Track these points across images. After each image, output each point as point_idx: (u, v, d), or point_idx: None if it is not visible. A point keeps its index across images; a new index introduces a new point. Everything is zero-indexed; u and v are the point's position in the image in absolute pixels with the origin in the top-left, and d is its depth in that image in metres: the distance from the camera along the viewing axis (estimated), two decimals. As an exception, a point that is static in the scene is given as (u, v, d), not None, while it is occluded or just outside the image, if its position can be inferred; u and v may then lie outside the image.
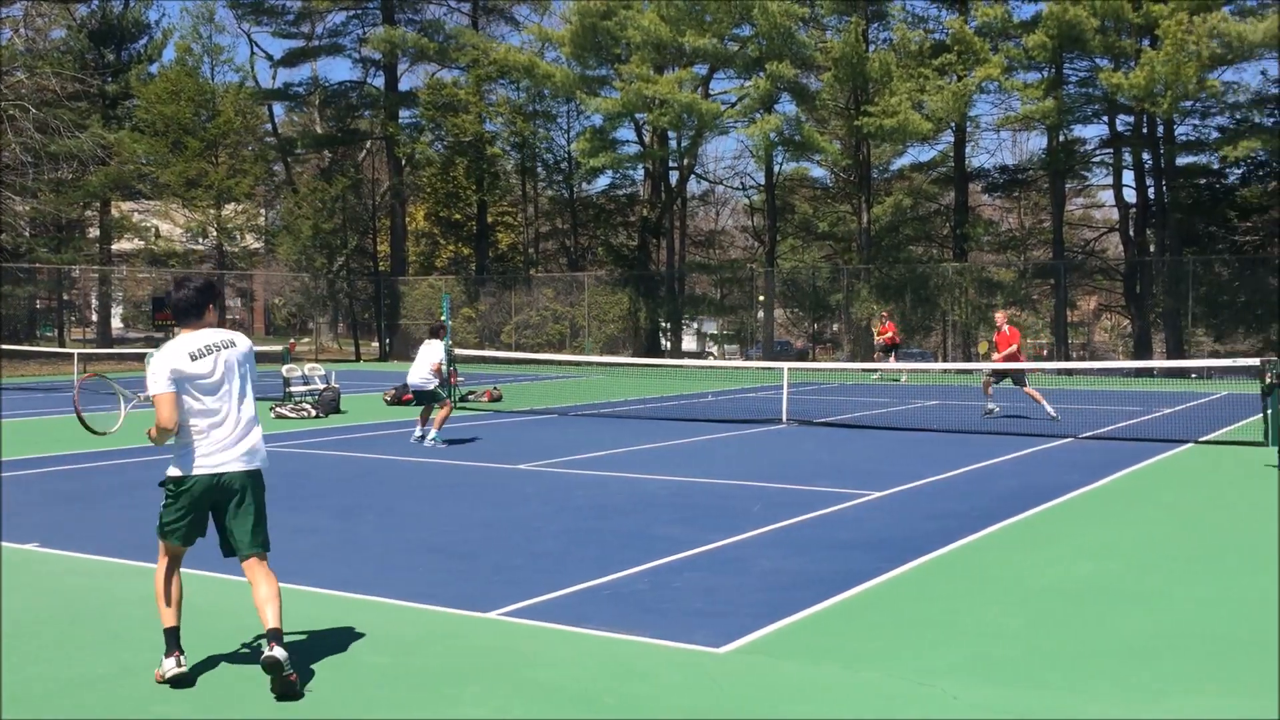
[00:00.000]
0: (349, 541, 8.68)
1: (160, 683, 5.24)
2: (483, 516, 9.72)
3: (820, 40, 40.83)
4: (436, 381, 14.92)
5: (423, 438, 14.93)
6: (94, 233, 48.82)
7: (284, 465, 13.17)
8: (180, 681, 5.24)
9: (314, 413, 19.35)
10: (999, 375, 18.96)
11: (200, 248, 47.60)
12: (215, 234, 45.60)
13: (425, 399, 15.09)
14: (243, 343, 5.64)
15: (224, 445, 5.51)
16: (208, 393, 5.44)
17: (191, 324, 5.55)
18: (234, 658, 5.75)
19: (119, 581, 7.40)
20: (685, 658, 5.73)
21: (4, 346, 35.65)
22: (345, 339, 55.01)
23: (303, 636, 6.09)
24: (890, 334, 29.89)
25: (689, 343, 48.66)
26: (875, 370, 30.69)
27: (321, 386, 20.67)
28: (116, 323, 55.55)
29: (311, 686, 5.29)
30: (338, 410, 20.01)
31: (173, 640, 5.32)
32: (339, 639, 6.05)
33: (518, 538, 8.80)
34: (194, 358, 5.42)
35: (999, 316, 19.29)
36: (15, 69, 41.10)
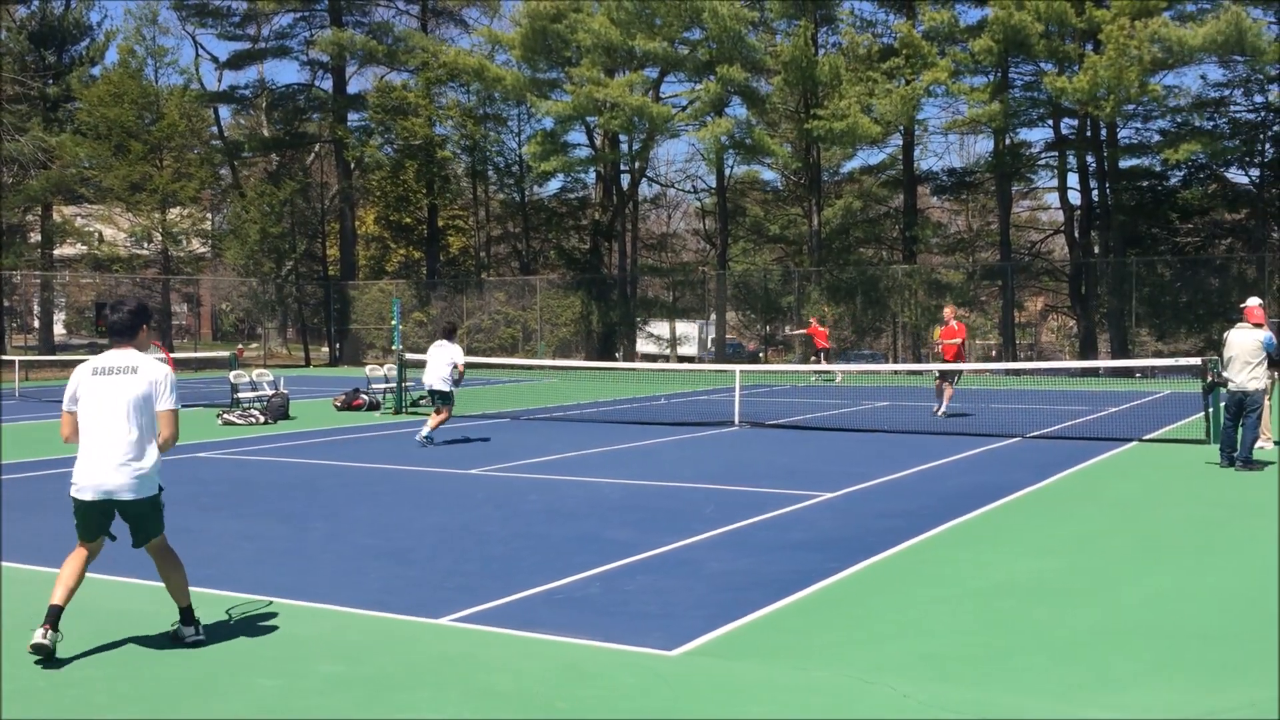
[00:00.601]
0: (297, 548, 8.59)
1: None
2: (434, 521, 9.66)
3: (770, 44, 41.06)
4: (453, 382, 15.17)
5: (429, 441, 15.11)
6: (35, 237, 47.89)
7: (231, 472, 13.01)
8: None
9: (262, 419, 19.12)
10: (947, 375, 19.31)
11: (145, 252, 46.84)
12: (160, 238, 44.92)
13: (445, 400, 15.24)
14: (146, 374, 5.89)
15: (105, 467, 5.83)
16: (91, 414, 5.85)
17: (123, 344, 5.98)
18: (178, 665, 5.65)
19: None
20: (637, 660, 5.73)
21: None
22: (295, 344, 54.45)
23: (252, 643, 6.01)
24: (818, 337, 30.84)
25: (647, 346, 48.65)
26: (815, 373, 31.12)
27: (270, 392, 20.43)
28: (59, 329, 54.58)
29: (260, 696, 5.22)
30: (286, 416, 19.79)
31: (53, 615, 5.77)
32: (288, 647, 5.98)
33: (469, 542, 8.75)
34: (95, 372, 5.89)
35: (947, 311, 19.80)
36: (-48, 71, 40.30)
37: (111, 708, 5.07)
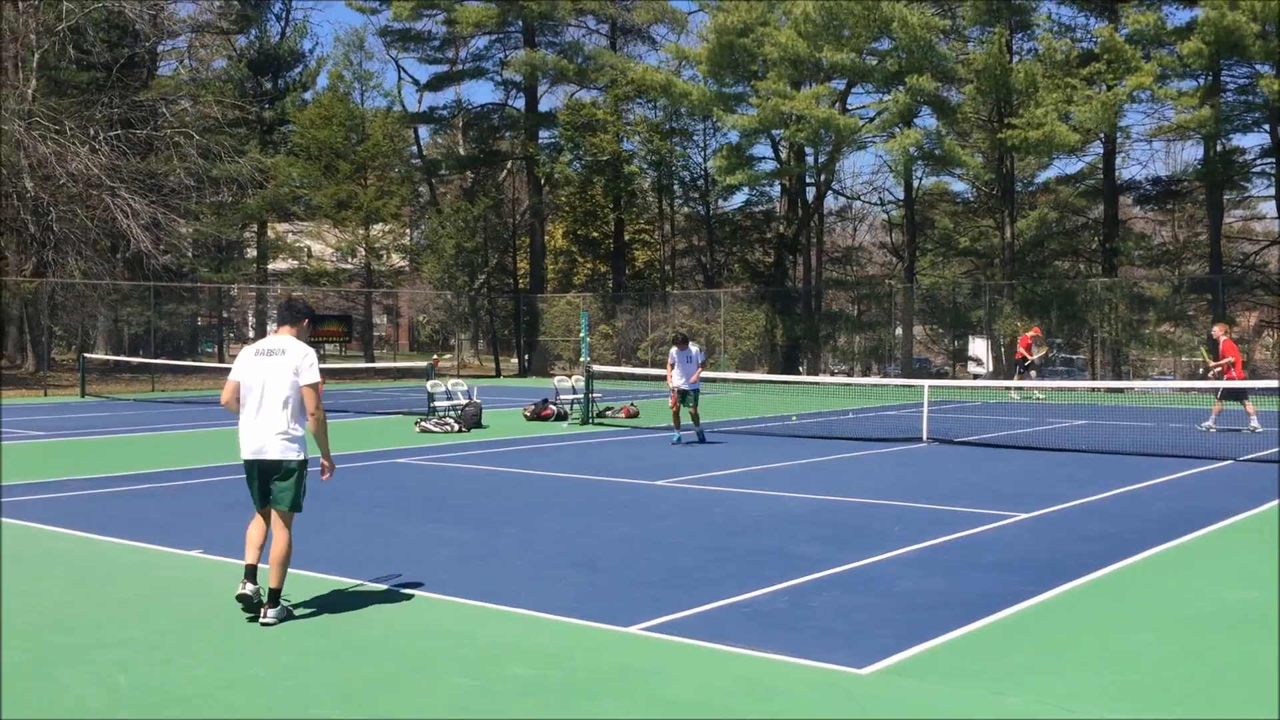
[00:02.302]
0: (490, 553, 8.86)
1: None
2: (621, 532, 9.80)
3: (961, 52, 40.04)
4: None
5: (699, 437, 17.32)
6: (252, 253, 51.08)
7: (427, 479, 13.52)
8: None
9: (457, 427, 19.80)
10: (1227, 395, 19.00)
11: (349, 266, 49.33)
12: (363, 253, 47.19)
13: (687, 399, 17.15)
14: (293, 355, 6.86)
15: (259, 431, 6.82)
16: (250, 387, 6.84)
17: (285, 329, 7.03)
18: (379, 662, 5.91)
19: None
20: (825, 677, 5.67)
21: (168, 361, 37.52)
22: (486, 355, 56.18)
23: (447, 643, 6.24)
24: (1023, 347, 29.22)
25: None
26: (1013, 388, 30.02)
27: (464, 402, 21.13)
28: (271, 339, 57.76)
29: (456, 696, 5.41)
30: (479, 425, 20.43)
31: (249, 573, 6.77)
32: (482, 648, 6.18)
33: (655, 553, 8.84)
34: (256, 353, 6.91)
35: (1217, 330, 19.53)
36: (180, 98, 43.36)
37: (312, 700, 5.35)
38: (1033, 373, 28.91)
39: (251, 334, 54.65)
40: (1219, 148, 37.56)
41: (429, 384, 21.62)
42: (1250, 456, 15.52)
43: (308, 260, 47.94)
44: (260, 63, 49.47)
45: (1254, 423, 18.91)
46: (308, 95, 49.34)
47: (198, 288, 44.75)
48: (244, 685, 5.56)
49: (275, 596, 6.69)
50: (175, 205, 39.69)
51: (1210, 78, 36.07)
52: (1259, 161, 39.58)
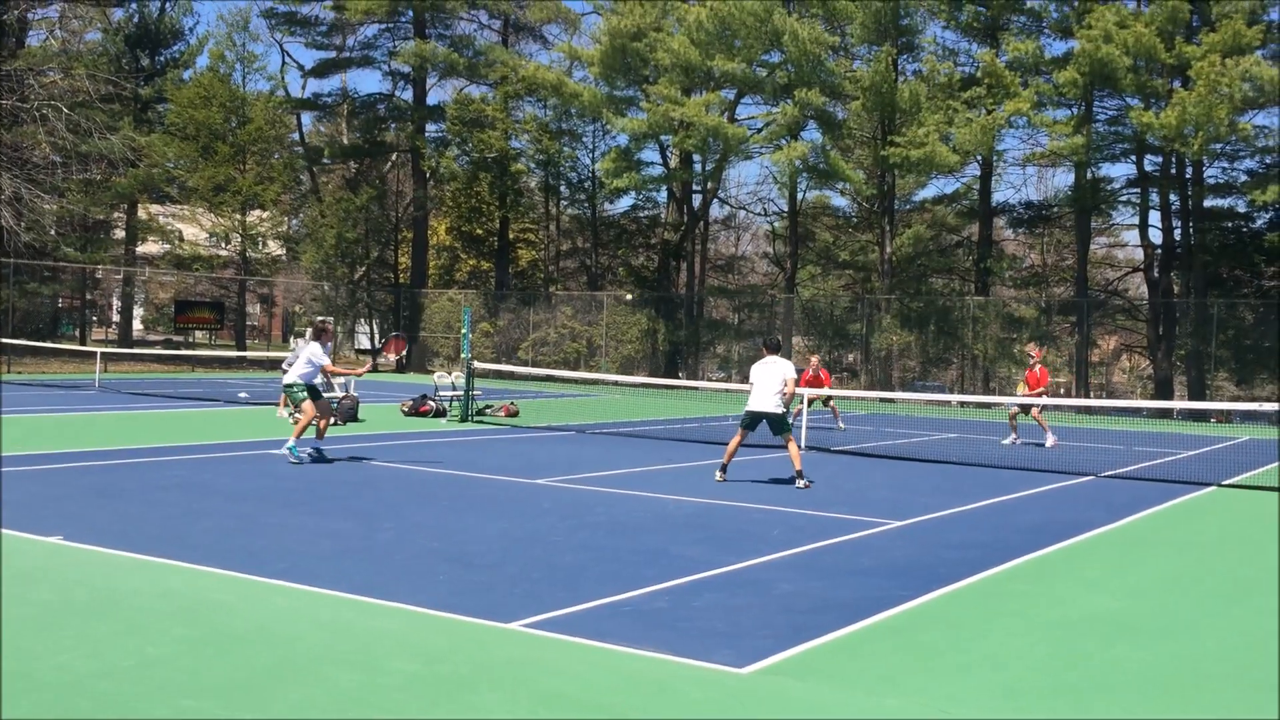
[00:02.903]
0: (369, 546, 8.67)
1: None
2: (500, 529, 9.70)
3: (849, 69, 40.91)
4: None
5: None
6: (120, 234, 49.16)
7: (303, 471, 13.20)
8: None
9: (332, 420, 19.33)
10: (1024, 409, 19.60)
11: (224, 253, 47.90)
12: (240, 240, 45.87)
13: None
14: None
15: None
16: None
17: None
18: (257, 656, 5.73)
19: (138, 576, 7.40)
20: (707, 676, 5.69)
21: (28, 343, 35.87)
22: (364, 349, 55.15)
23: (331, 636, 6.07)
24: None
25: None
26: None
27: (340, 394, 20.70)
28: (137, 324, 55.84)
29: (340, 689, 5.27)
30: (356, 419, 20.04)
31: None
32: (365, 642, 6.03)
33: (536, 551, 8.78)
34: None
35: (1035, 353, 19.94)
36: (49, 69, 41.51)
37: (191, 691, 5.15)
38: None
39: (116, 318, 52.63)
40: (1089, 176, 39.13)
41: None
42: (1109, 473, 16.16)
43: (180, 244, 46.39)
44: (138, 38, 47.66)
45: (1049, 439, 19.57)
46: (187, 74, 47.74)
47: (60, 267, 42.90)
48: (112, 675, 5.32)
49: None
50: (40, 180, 38.01)
51: (1083, 107, 37.57)
52: (1125, 191, 41.39)
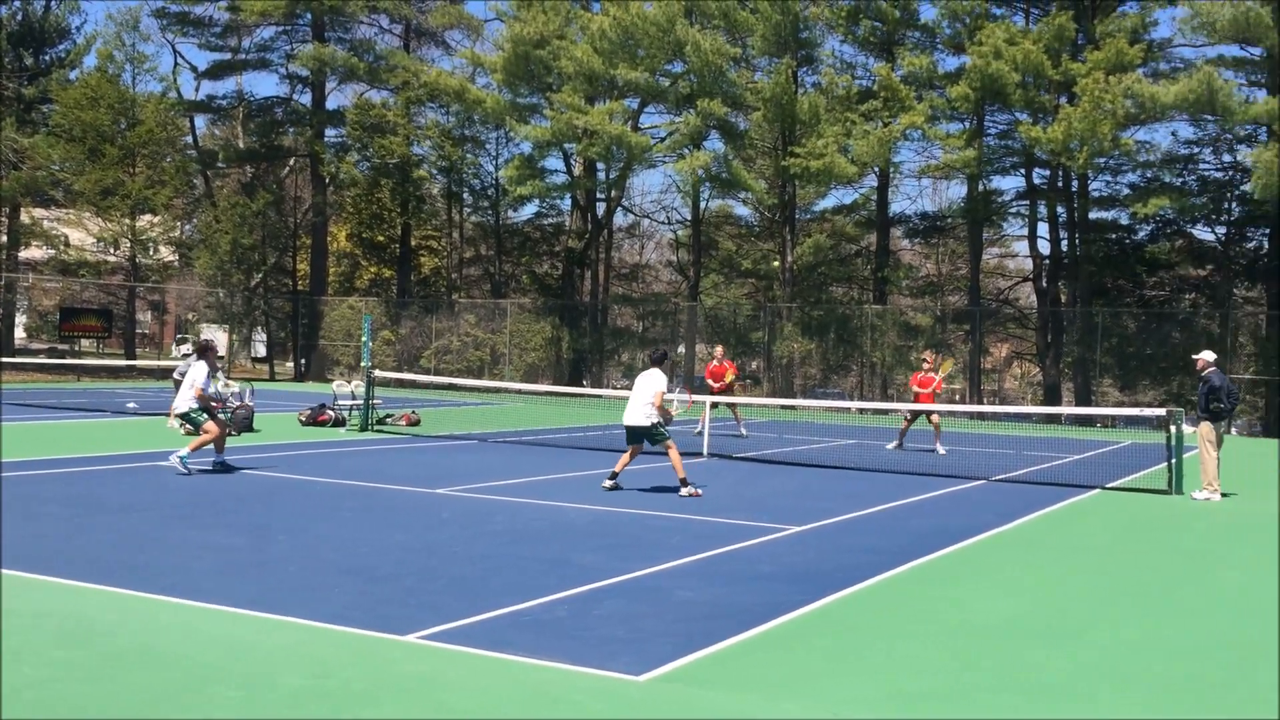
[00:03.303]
0: (262, 561, 8.47)
1: None
2: (399, 540, 9.56)
3: (750, 80, 41.36)
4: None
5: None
6: (1, 238, 47.35)
7: (193, 483, 12.86)
8: None
9: (228, 431, 18.87)
10: (915, 415, 20.00)
11: (113, 258, 46.43)
12: (129, 245, 44.52)
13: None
14: None
15: None
16: None
17: None
18: (141, 675, 5.54)
19: (14, 595, 7.10)
20: (605, 685, 5.68)
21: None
22: (261, 358, 54.02)
23: (216, 653, 5.91)
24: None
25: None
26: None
27: (236, 404, 20.21)
28: (20, 332, 53.83)
29: (224, 707, 5.12)
30: (251, 429, 19.59)
31: None
32: (252, 658, 5.88)
33: (435, 561, 8.67)
34: None
35: (929, 359, 20.24)
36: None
37: (61, 712, 4.96)
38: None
39: (-2, 325, 50.65)
40: (980, 188, 40.14)
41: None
42: (1000, 477, 16.58)
43: (65, 249, 44.85)
44: (21, 36, 45.98)
45: (939, 448, 19.93)
46: (74, 74, 46.22)
47: (-63, 273, 41.19)
48: (-21, 700, 5.09)
49: None
50: (-85, 182, 36.46)
51: (975, 122, 38.55)
52: (1015, 203, 42.56)
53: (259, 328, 51.97)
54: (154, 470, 13.77)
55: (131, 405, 25.17)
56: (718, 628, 6.85)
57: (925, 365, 20.26)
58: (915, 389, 20.25)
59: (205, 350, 14.39)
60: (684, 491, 12.70)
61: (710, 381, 22.46)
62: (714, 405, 20.39)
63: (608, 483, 13.17)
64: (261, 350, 52.87)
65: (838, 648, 6.60)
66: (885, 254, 42.77)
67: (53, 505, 10.65)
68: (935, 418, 20.29)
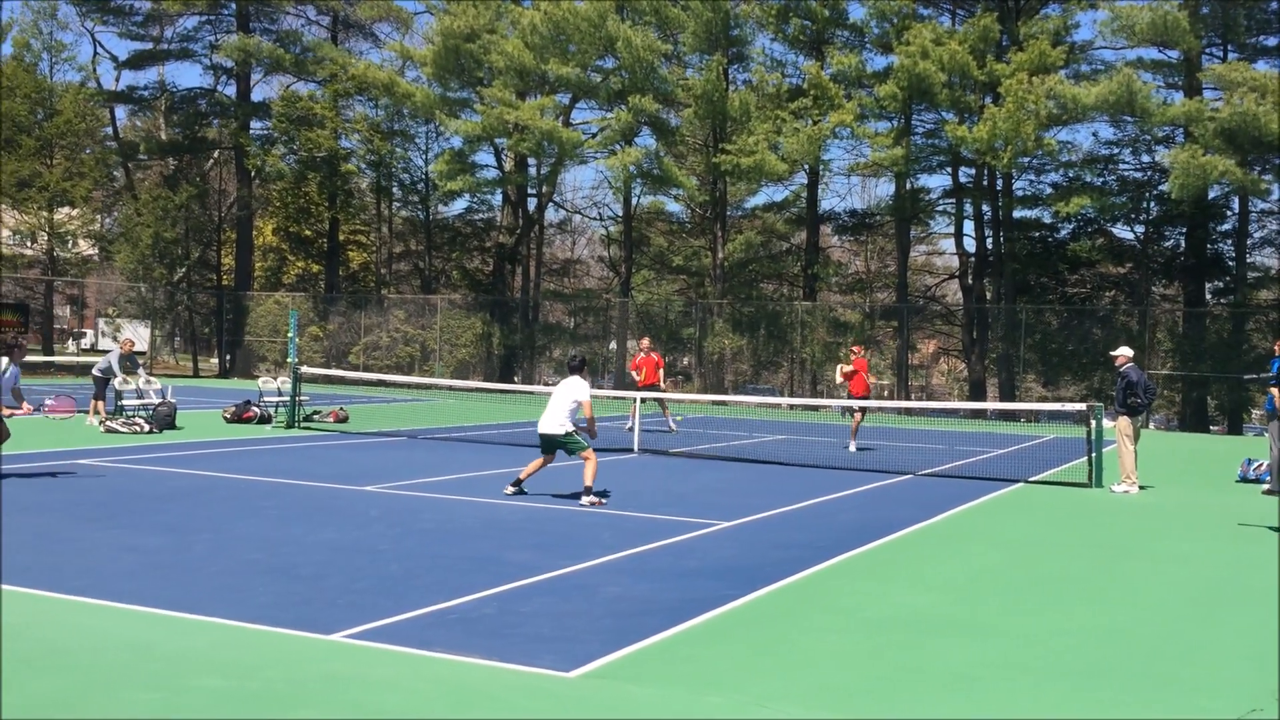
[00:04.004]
0: (181, 561, 8.31)
1: None
2: (325, 538, 9.44)
3: (681, 77, 41.47)
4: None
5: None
6: (-89, 230, 45.90)
7: (112, 481, 12.57)
8: None
9: (147, 428, 18.52)
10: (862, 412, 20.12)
11: (30, 252, 45.21)
12: (47, 238, 43.37)
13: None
14: None
15: None
16: None
17: None
18: (51, 679, 5.40)
19: None
20: (533, 682, 5.65)
21: None
22: (184, 354, 52.99)
23: (129, 656, 5.77)
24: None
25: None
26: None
27: (156, 401, 19.81)
28: (-68, 327, 52.21)
29: (137, 712, 5.01)
30: (173, 426, 19.21)
31: None
32: (169, 660, 5.76)
33: (362, 560, 8.57)
34: None
35: (856, 350, 20.28)
36: None
37: (-24, 720, 4.82)
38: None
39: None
40: (908, 186, 40.68)
41: (116, 381, 20.10)
42: (926, 471, 16.81)
43: (-20, 242, 43.64)
44: (-68, 21, 44.62)
45: (851, 446, 19.76)
46: (-12, 62, 44.94)
47: None
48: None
49: None
50: None
51: (903, 120, 39.04)
52: (941, 201, 43.18)
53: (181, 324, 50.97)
54: (71, 469, 13.44)
55: (49, 401, 24.55)
56: (646, 624, 6.86)
57: (854, 356, 20.10)
58: (845, 378, 19.94)
59: (12, 348, 13.03)
60: (584, 500, 11.82)
61: (634, 374, 22.13)
62: (643, 400, 20.35)
63: (510, 489, 12.39)
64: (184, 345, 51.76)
65: (764, 642, 6.64)
66: (815, 251, 43.15)
67: (-37, 506, 10.35)
68: (859, 415, 20.27)
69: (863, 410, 20.53)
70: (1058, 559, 9.93)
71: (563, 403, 12.20)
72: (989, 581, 8.83)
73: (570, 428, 12.16)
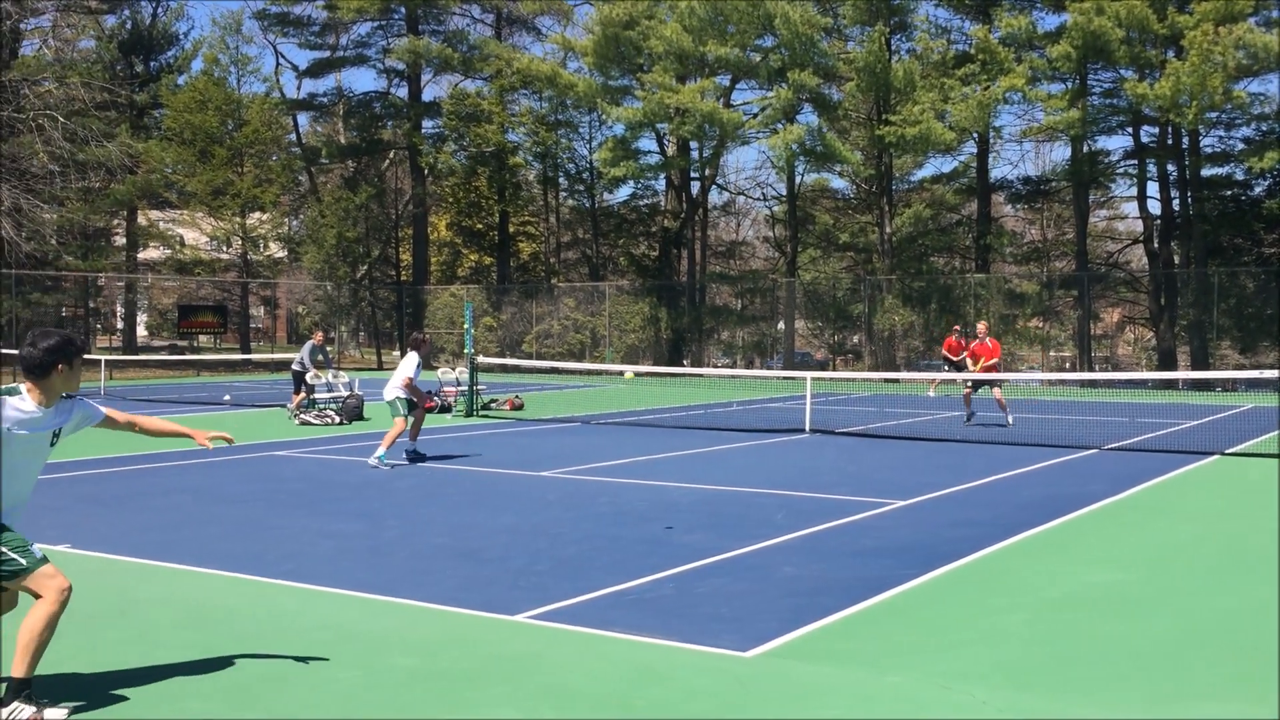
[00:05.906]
0: (373, 546, 8.73)
1: None
2: (505, 522, 9.75)
3: (842, 50, 40.80)
4: (399, 393, 13.76)
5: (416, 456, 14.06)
6: (120, 240, 49.26)
7: (307, 470, 13.26)
8: None
9: (338, 420, 19.45)
10: (977, 385, 19.51)
11: (225, 256, 47.99)
12: (240, 242, 45.96)
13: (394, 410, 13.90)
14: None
15: None
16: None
17: (37, 382, 5.19)
18: (261, 656, 5.79)
19: (145, 581, 7.47)
20: (711, 662, 5.74)
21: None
22: (368, 348, 55.28)
23: (330, 636, 6.13)
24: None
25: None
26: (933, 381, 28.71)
27: (345, 394, 20.76)
28: (141, 330, 55.98)
29: (340, 688, 5.32)
30: (361, 417, 20.10)
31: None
32: (366, 640, 6.09)
33: (541, 543, 8.83)
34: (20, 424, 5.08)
35: (981, 328, 19.55)
36: (44, 79, 41.55)
37: (196, 693, 5.21)
38: (946, 369, 24.46)
39: (120, 324, 52.78)
40: (1085, 149, 39.02)
41: (309, 376, 21.14)
42: (1113, 445, 16.18)
43: (181, 249, 46.47)
44: (131, 44, 47.70)
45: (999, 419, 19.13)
46: (181, 79, 47.77)
47: (62, 276, 42.98)
48: (124, 679, 5.37)
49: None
50: (39, 190, 38.05)
51: (1078, 81, 37.45)
52: (1122, 163, 41.27)
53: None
54: (269, 460, 14.23)
55: (226, 398, 26.10)
56: (822, 603, 6.86)
57: (979, 333, 19.41)
58: (970, 358, 19.49)
59: (420, 343, 14.63)
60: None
61: (969, 360, 20.67)
62: (975, 385, 19.90)
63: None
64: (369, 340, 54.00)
65: (943, 621, 6.56)
66: (987, 221, 41.89)
67: (174, 497, 11.11)
68: (998, 391, 19.33)
69: (974, 384, 20.00)
70: (1257, 536, 9.44)
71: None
72: (1181, 559, 8.47)
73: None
